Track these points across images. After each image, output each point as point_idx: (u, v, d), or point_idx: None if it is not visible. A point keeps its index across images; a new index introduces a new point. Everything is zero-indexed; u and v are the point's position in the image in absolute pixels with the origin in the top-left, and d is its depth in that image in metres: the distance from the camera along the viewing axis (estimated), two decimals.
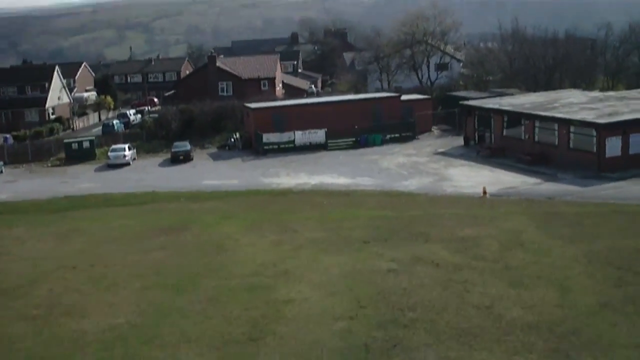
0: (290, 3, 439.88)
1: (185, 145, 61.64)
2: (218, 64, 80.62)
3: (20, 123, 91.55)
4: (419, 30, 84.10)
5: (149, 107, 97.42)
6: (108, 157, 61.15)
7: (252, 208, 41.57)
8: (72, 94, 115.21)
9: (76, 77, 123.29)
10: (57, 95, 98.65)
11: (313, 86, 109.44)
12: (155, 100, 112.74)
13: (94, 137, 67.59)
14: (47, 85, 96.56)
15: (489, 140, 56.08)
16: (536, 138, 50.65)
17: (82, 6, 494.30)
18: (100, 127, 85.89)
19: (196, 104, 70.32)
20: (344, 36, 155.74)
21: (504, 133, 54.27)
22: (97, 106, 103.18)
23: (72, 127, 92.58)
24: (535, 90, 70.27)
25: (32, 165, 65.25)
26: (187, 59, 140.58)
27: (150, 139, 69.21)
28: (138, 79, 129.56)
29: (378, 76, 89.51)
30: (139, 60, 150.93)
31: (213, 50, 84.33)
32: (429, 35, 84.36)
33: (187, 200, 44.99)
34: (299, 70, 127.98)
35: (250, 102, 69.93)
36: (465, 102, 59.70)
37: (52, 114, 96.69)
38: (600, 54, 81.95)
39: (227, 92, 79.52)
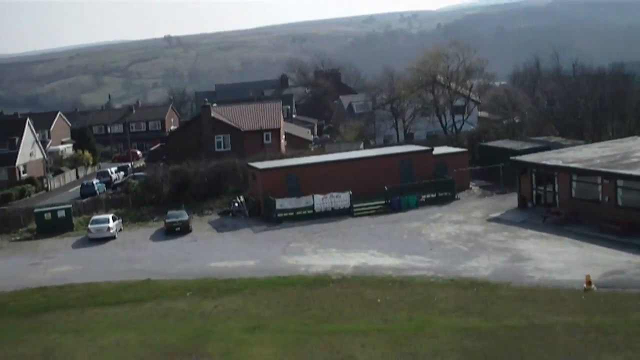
0: (267, 45, 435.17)
1: (182, 215, 51.52)
2: (213, 114, 70.49)
3: None
4: (439, 70, 74.80)
5: (132, 163, 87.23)
6: (89, 230, 50.89)
7: (284, 309, 31.57)
8: (46, 147, 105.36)
9: (51, 128, 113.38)
10: (28, 150, 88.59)
11: (310, 132, 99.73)
12: (138, 152, 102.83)
13: (70, 205, 57.08)
14: (17, 140, 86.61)
15: (552, 201, 46.74)
16: (620, 202, 41.26)
17: (60, 53, 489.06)
18: (78, 188, 76.32)
19: (190, 163, 60.36)
20: (337, 77, 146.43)
21: (573, 194, 44.84)
22: (74, 162, 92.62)
23: (46, 187, 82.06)
24: (581, 138, 61.14)
25: None
26: (171, 106, 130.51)
27: (137, 204, 59.08)
28: (118, 128, 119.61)
29: (392, 123, 79.67)
30: (118, 109, 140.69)
31: (206, 100, 73.40)
32: (451, 75, 74.97)
33: (195, 295, 34.89)
34: (293, 116, 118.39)
35: (253, 159, 60.45)
36: (519, 158, 50.34)
37: (23, 172, 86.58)
38: None
39: (224, 146, 69.24)
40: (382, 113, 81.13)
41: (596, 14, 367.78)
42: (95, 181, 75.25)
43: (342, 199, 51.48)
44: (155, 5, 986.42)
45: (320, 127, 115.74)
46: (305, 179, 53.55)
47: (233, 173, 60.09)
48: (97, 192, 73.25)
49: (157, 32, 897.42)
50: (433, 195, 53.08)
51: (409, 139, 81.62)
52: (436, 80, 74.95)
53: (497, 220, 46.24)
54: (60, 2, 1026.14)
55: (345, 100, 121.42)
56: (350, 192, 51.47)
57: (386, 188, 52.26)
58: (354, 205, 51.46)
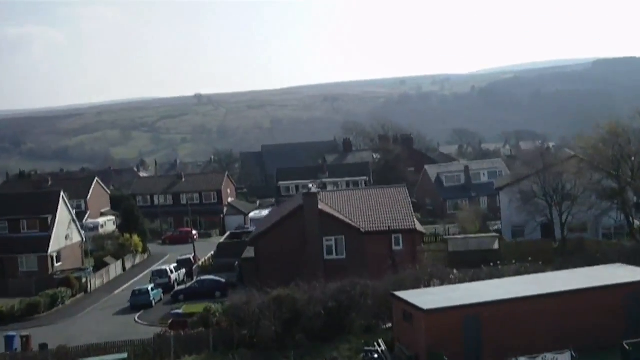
0: (298, 104, 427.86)
1: None
2: (321, 206, 50.51)
3: (9, 281, 64.36)
4: (620, 150, 55.87)
5: (196, 256, 69.35)
6: None
7: None
8: (84, 220, 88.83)
9: (87, 197, 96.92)
10: (64, 232, 72.04)
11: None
12: (194, 232, 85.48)
13: (125, 355, 38.18)
14: (50, 219, 69.97)
15: None
16: None
17: (88, 108, 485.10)
18: (127, 292, 59.88)
19: (302, 286, 41.64)
20: (409, 143, 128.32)
21: None
22: (120, 249, 74.44)
23: (86, 288, 63.77)
24: None
25: None
26: (226, 174, 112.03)
27: (223, 345, 39.93)
28: (165, 199, 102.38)
29: (543, 210, 60.50)
30: (165, 176, 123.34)
31: (312, 186, 52.31)
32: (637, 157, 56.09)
33: None
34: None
35: (391, 282, 41.98)
36: None
37: (57, 261, 69.51)
38: None
39: (337, 252, 49.60)
40: (530, 202, 61.33)
41: (637, 79, 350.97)
42: (149, 286, 57.12)
43: None
44: (186, 65, 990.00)
45: None
46: (489, 323, 35.14)
47: (361, 300, 41.45)
48: (153, 302, 55.92)
49: (187, 90, 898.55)
50: None
51: (546, 234, 63.00)
52: (621, 163, 55.95)
53: None
54: (92, 61, 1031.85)
55: (431, 171, 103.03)
56: (573, 354, 32.98)
57: (627, 346, 33.64)
58: None
